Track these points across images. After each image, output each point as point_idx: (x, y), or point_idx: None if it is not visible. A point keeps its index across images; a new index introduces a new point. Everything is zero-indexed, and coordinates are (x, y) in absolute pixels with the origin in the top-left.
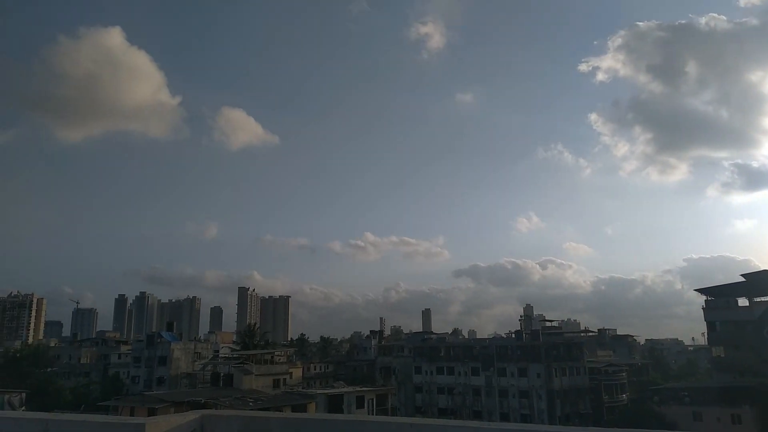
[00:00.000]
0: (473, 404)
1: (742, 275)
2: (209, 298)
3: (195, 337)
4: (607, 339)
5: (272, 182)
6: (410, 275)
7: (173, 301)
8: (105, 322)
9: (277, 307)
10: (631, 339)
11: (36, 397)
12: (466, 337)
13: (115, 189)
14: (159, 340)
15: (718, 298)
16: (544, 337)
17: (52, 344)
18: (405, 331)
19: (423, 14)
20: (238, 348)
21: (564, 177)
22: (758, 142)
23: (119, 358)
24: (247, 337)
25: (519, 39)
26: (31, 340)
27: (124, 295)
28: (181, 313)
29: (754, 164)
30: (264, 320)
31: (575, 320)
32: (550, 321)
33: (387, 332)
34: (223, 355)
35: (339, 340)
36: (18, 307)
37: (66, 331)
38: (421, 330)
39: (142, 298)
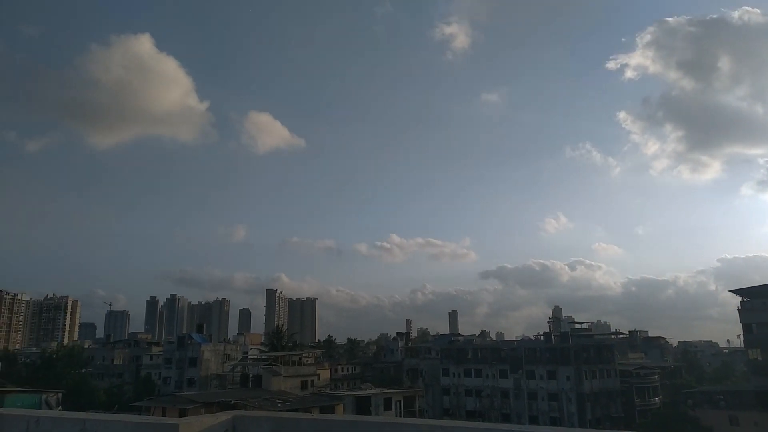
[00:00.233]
0: (502, 407)
1: None
2: (238, 300)
3: (224, 339)
4: (638, 341)
5: (299, 185)
6: (436, 277)
7: (203, 303)
8: (137, 323)
9: (304, 308)
10: (664, 341)
11: (71, 397)
12: (494, 339)
13: (145, 193)
14: (189, 342)
15: (755, 300)
16: (573, 340)
17: (87, 345)
18: (432, 333)
19: (447, 15)
20: (266, 349)
21: (592, 177)
22: None
23: (151, 359)
24: (275, 338)
25: (545, 38)
26: (66, 341)
27: (155, 297)
28: (210, 315)
29: None
30: (291, 322)
31: (605, 322)
32: (580, 323)
33: (414, 334)
34: (251, 357)
35: (366, 341)
36: (54, 309)
37: (99, 333)
38: (448, 332)
39: (172, 300)
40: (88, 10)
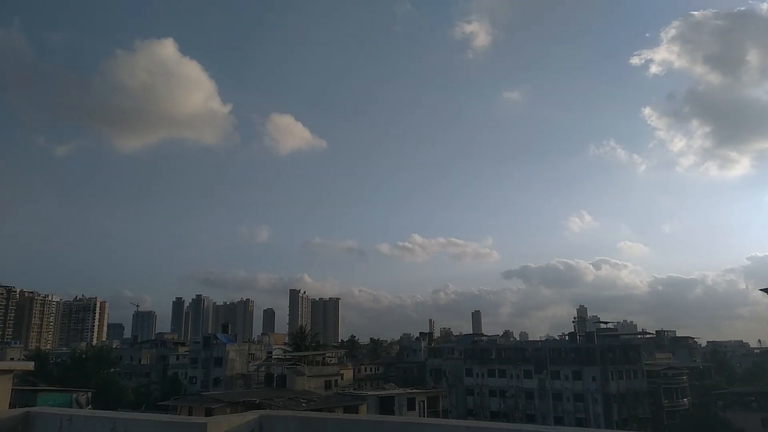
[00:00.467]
0: (526, 407)
1: None
2: (262, 301)
3: (249, 339)
4: (665, 341)
5: (321, 186)
6: (459, 277)
7: (227, 303)
8: (163, 324)
9: (327, 309)
10: (692, 341)
11: (100, 396)
12: (518, 339)
13: (170, 195)
14: (215, 342)
15: None
16: (599, 339)
17: (115, 346)
18: (455, 333)
19: (467, 13)
20: (290, 349)
21: (617, 174)
22: None
23: (177, 359)
24: (298, 338)
25: (566, 34)
26: (95, 341)
27: (181, 297)
28: (235, 315)
29: None
30: (314, 322)
31: (631, 322)
32: (605, 323)
33: (436, 334)
34: (276, 357)
35: (388, 342)
36: (83, 310)
37: (127, 333)
38: (471, 332)
39: (198, 300)
40: (112, 17)
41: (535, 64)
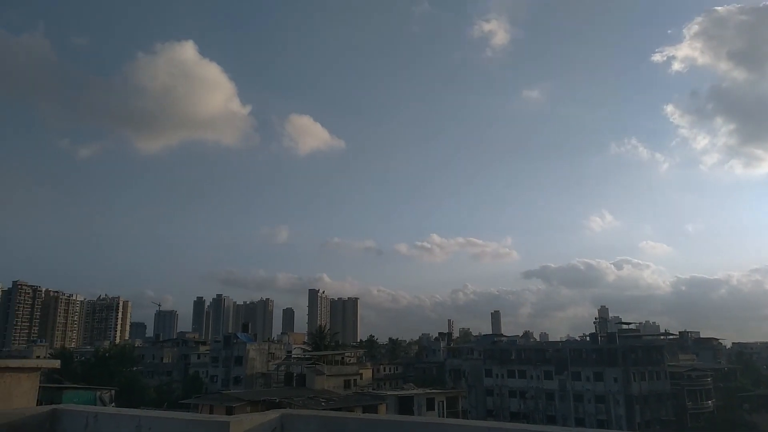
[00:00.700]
0: (546, 408)
1: None
2: (281, 300)
3: (268, 338)
4: (689, 342)
5: (339, 186)
6: (478, 277)
7: (248, 303)
8: (185, 323)
9: (346, 308)
10: (716, 342)
11: (123, 394)
12: (538, 339)
13: (190, 196)
14: (235, 341)
15: None
16: (621, 340)
17: (137, 344)
18: (474, 334)
19: (486, 11)
20: (309, 349)
21: (639, 173)
22: None
23: (198, 358)
24: (317, 338)
25: (586, 31)
26: (118, 340)
27: (202, 297)
28: (255, 315)
29: None
30: (333, 322)
31: (654, 322)
32: (627, 323)
33: (455, 334)
34: (295, 356)
35: (407, 341)
36: (106, 309)
37: (149, 332)
38: (491, 332)
39: (218, 300)
40: (133, 20)
41: (554, 62)
